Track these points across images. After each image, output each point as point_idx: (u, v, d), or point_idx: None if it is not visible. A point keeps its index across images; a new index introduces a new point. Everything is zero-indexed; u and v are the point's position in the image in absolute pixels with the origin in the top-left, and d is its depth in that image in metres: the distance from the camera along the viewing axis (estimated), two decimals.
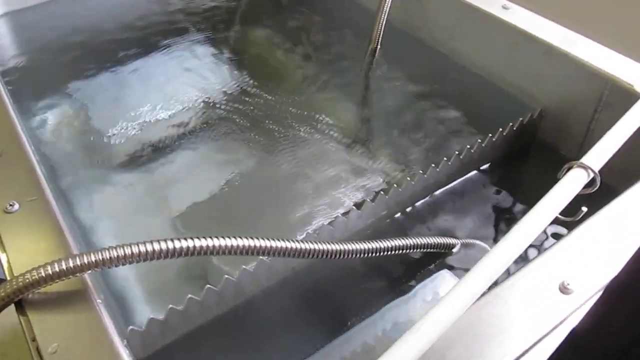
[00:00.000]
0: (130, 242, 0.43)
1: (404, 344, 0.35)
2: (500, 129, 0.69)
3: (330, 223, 0.58)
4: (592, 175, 0.46)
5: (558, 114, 0.73)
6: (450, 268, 0.61)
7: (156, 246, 0.43)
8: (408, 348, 0.35)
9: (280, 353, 0.55)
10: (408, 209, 0.67)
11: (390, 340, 0.53)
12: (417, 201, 0.67)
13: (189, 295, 0.50)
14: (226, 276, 0.52)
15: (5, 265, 0.45)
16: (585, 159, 0.47)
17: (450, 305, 0.37)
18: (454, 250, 0.60)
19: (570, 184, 0.45)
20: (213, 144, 0.75)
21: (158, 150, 0.73)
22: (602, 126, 0.68)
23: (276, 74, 0.90)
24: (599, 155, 0.48)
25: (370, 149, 0.74)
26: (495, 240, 0.64)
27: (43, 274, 0.41)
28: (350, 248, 0.52)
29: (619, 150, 0.52)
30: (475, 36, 0.81)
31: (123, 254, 0.42)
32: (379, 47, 0.88)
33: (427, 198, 0.68)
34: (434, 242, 0.58)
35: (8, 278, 0.44)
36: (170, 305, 0.50)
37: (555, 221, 0.46)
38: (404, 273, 0.62)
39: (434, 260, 0.62)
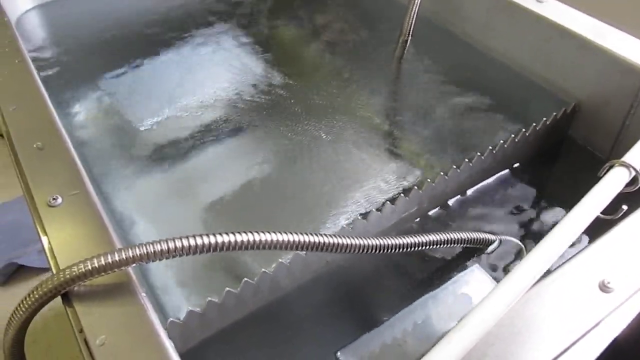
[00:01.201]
0: (164, 234, 0.43)
1: (447, 343, 0.36)
2: (534, 124, 0.68)
3: (364, 217, 0.59)
4: (633, 173, 0.46)
5: (592, 110, 0.72)
6: (481, 264, 0.61)
7: (199, 240, 0.44)
8: (452, 347, 0.35)
9: (311, 345, 0.55)
10: (440, 206, 0.67)
11: (420, 334, 0.54)
12: (449, 198, 0.67)
13: (227, 288, 0.51)
14: (263, 270, 0.53)
15: (50, 258, 0.46)
16: (627, 157, 0.47)
17: (493, 304, 0.37)
18: (492, 246, 0.60)
19: (612, 183, 0.45)
20: (245, 136, 0.75)
21: (191, 142, 0.74)
22: (639, 122, 0.67)
23: (306, 66, 0.90)
24: None
25: (401, 144, 0.74)
26: (527, 239, 0.64)
27: (90, 267, 0.41)
28: (389, 243, 0.52)
29: None
30: (508, 29, 0.80)
31: (167, 248, 0.43)
32: (409, 39, 0.87)
33: (459, 196, 0.68)
34: (472, 237, 0.58)
35: (53, 270, 0.45)
36: (209, 298, 0.50)
37: (595, 219, 0.46)
38: (435, 268, 0.62)
39: (464, 255, 0.62)
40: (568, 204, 0.48)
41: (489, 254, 0.62)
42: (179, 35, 0.94)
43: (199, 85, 0.84)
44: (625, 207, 0.48)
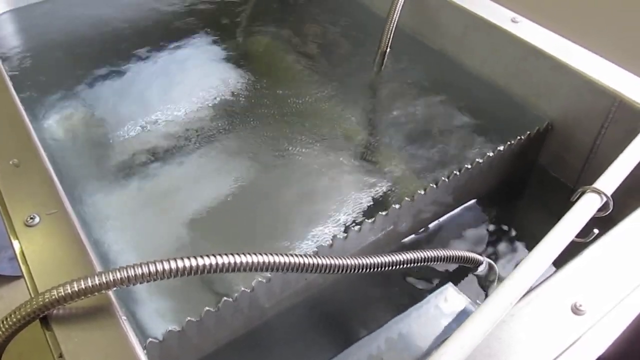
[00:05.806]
0: (143, 253, 0.42)
1: None
2: (509, 142, 0.69)
3: (343, 235, 0.59)
4: (605, 199, 0.48)
5: (564, 129, 0.74)
6: (455, 282, 0.62)
7: (180, 264, 0.44)
8: None
9: None
10: (418, 224, 0.68)
11: (395, 351, 0.55)
12: (427, 221, 0.68)
13: (206, 308, 0.51)
14: (242, 288, 0.53)
15: (28, 280, 0.45)
16: (598, 184, 0.48)
17: (472, 330, 0.38)
18: (481, 267, 0.61)
19: (585, 208, 0.47)
20: (223, 150, 0.75)
21: (167, 155, 0.73)
22: (609, 142, 0.70)
23: (284, 77, 0.90)
24: (611, 179, 0.49)
25: (379, 160, 0.75)
26: (499, 260, 0.66)
27: (70, 291, 0.41)
28: (371, 262, 0.52)
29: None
30: (483, 48, 0.82)
31: (147, 271, 0.43)
32: (388, 50, 0.88)
33: (437, 217, 0.70)
34: (459, 256, 0.58)
35: (32, 293, 0.45)
36: (188, 318, 0.50)
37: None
38: (410, 287, 0.63)
39: (439, 274, 0.64)
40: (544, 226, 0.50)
41: (478, 273, 0.63)
42: (156, 44, 0.94)
43: (178, 94, 0.84)
44: (596, 231, 0.49)
